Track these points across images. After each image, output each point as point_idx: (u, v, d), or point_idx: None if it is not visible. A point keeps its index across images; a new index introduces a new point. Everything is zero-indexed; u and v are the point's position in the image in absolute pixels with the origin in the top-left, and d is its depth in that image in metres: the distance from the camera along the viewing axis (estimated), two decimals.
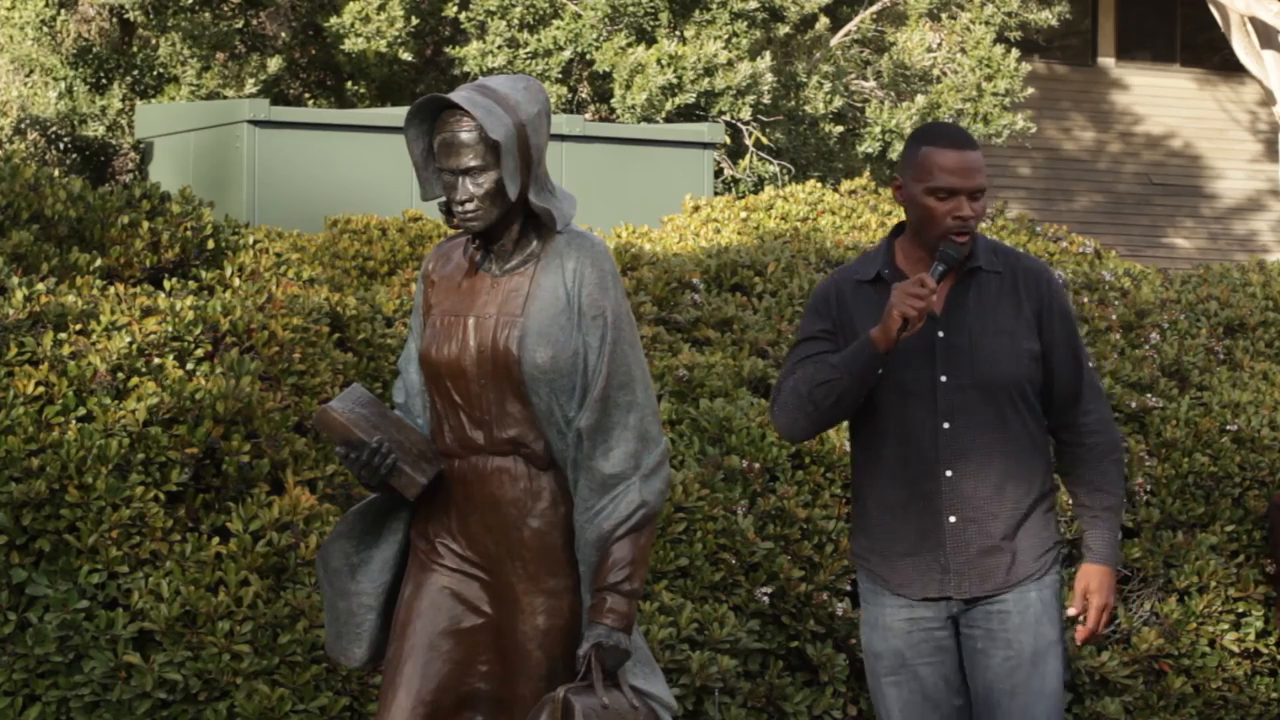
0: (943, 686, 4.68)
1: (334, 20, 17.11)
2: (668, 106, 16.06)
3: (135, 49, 17.03)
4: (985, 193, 4.67)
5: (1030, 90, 18.59)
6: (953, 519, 4.62)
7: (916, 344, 4.62)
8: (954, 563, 4.62)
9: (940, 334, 4.64)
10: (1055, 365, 4.69)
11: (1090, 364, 4.77)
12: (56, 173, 7.67)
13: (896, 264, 4.70)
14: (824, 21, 17.61)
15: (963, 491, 4.62)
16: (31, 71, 16.67)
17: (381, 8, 17.02)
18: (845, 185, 12.16)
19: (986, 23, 18.41)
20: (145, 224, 7.49)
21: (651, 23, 16.66)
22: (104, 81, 16.68)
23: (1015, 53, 18.33)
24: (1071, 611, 4.77)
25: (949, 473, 4.61)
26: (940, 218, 4.62)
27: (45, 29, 16.67)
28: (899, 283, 4.55)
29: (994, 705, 4.62)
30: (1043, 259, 4.42)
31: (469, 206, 4.17)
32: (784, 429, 4.73)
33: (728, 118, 16.33)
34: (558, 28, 16.68)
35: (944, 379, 4.62)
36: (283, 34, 17.96)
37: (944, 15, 18.49)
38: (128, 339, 6.04)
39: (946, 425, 4.61)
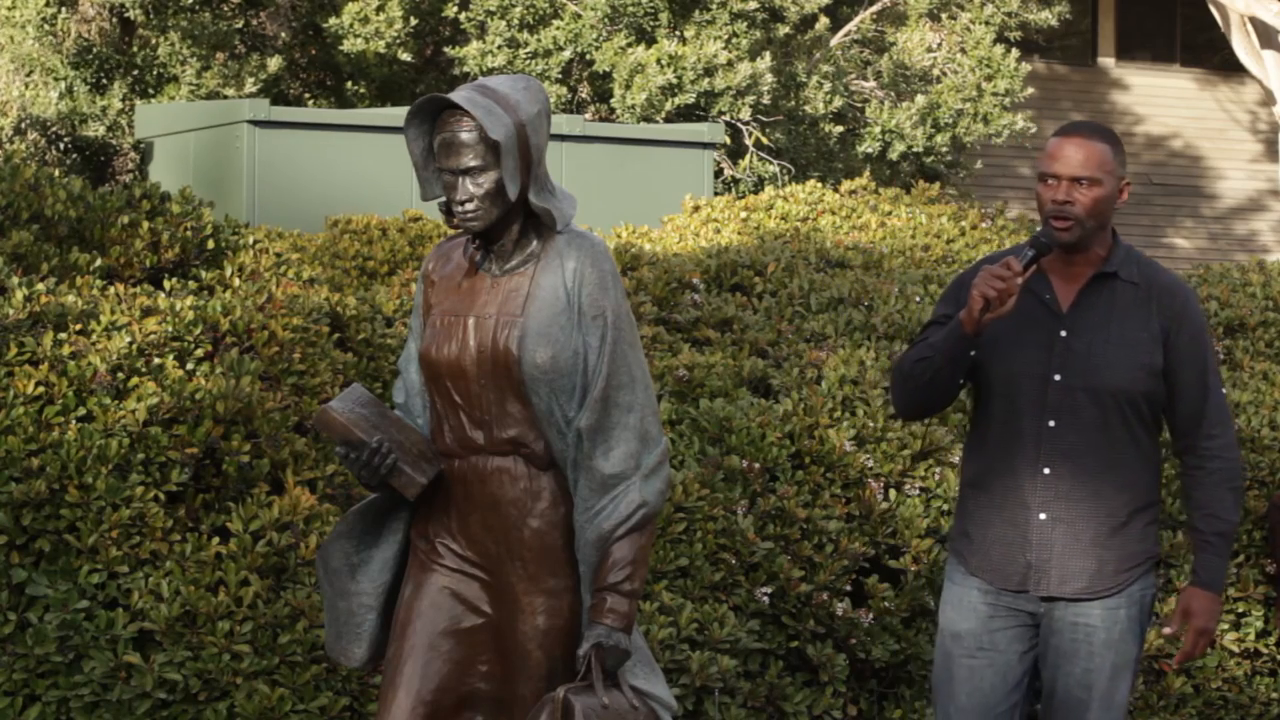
0: (1012, 675, 4.72)
1: (333, 20, 17.12)
2: (667, 106, 16.07)
3: (135, 49, 17.04)
4: (1100, 185, 4.65)
5: (1030, 90, 18.59)
6: (1043, 516, 4.65)
7: (1036, 340, 4.68)
8: (1038, 559, 4.66)
9: (1063, 334, 4.68)
10: (1179, 385, 4.70)
11: (1221, 390, 4.77)
12: (56, 173, 7.66)
13: (1042, 265, 4.74)
14: (824, 21, 17.62)
15: (1057, 490, 4.65)
16: (32, 71, 16.68)
17: (380, 8, 17.03)
18: (845, 185, 12.17)
19: (986, 23, 18.42)
20: (145, 224, 7.49)
21: (651, 23, 16.67)
22: (104, 81, 16.69)
23: (1015, 53, 18.34)
24: (1168, 631, 4.81)
25: (1047, 470, 4.65)
26: (1044, 203, 4.69)
27: (46, 28, 16.68)
28: (987, 265, 4.61)
29: (1068, 709, 4.69)
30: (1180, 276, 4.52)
31: (469, 206, 4.17)
32: (895, 405, 4.84)
33: (727, 118, 16.34)
34: (558, 28, 16.68)
35: (1057, 378, 4.65)
36: (283, 34, 17.97)
37: (944, 15, 18.50)
38: (128, 339, 6.03)
39: (1052, 423, 4.64)
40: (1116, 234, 4.79)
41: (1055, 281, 4.73)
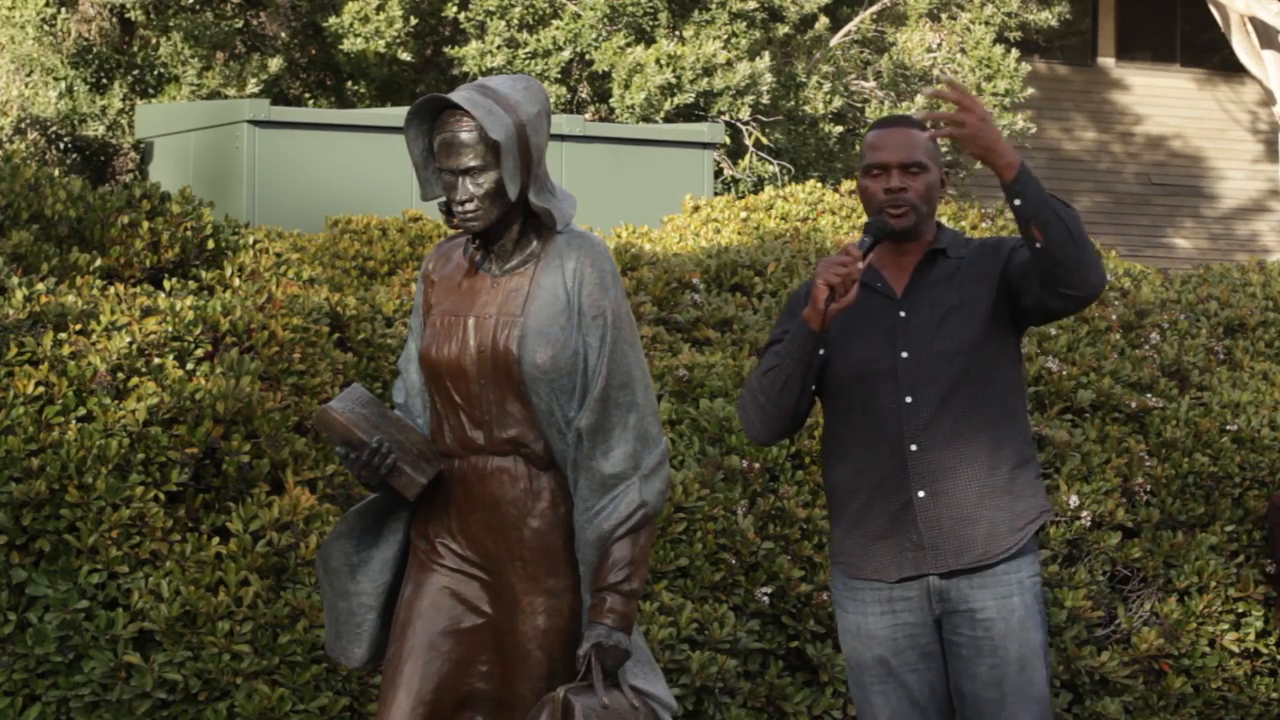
0: (928, 693, 4.65)
1: (333, 20, 17.12)
2: (666, 106, 16.07)
3: (136, 49, 17.04)
4: (927, 171, 4.67)
5: (1030, 90, 18.60)
6: (922, 494, 4.59)
7: (878, 324, 4.66)
8: (927, 538, 4.59)
9: (902, 314, 4.67)
10: (1017, 264, 4.63)
11: None
12: (56, 173, 7.66)
13: (871, 262, 4.72)
14: (824, 21, 17.62)
15: (929, 465, 4.59)
16: (32, 71, 16.67)
17: (380, 8, 17.02)
18: (845, 185, 12.15)
19: (986, 23, 18.43)
20: (145, 224, 7.49)
21: (650, 23, 16.67)
22: (104, 81, 16.69)
23: (1015, 53, 18.34)
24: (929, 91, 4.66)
25: (914, 447, 4.59)
26: (874, 195, 4.66)
27: (46, 28, 16.67)
28: (825, 258, 4.58)
29: (981, 713, 4.60)
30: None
31: (469, 206, 4.17)
32: (747, 431, 4.75)
33: (727, 118, 16.34)
34: (557, 28, 16.68)
35: (905, 355, 4.63)
36: (283, 34, 17.96)
37: (944, 15, 18.50)
38: (128, 339, 6.03)
39: (909, 399, 4.60)
40: (940, 223, 4.78)
41: (887, 272, 4.72)
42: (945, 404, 4.60)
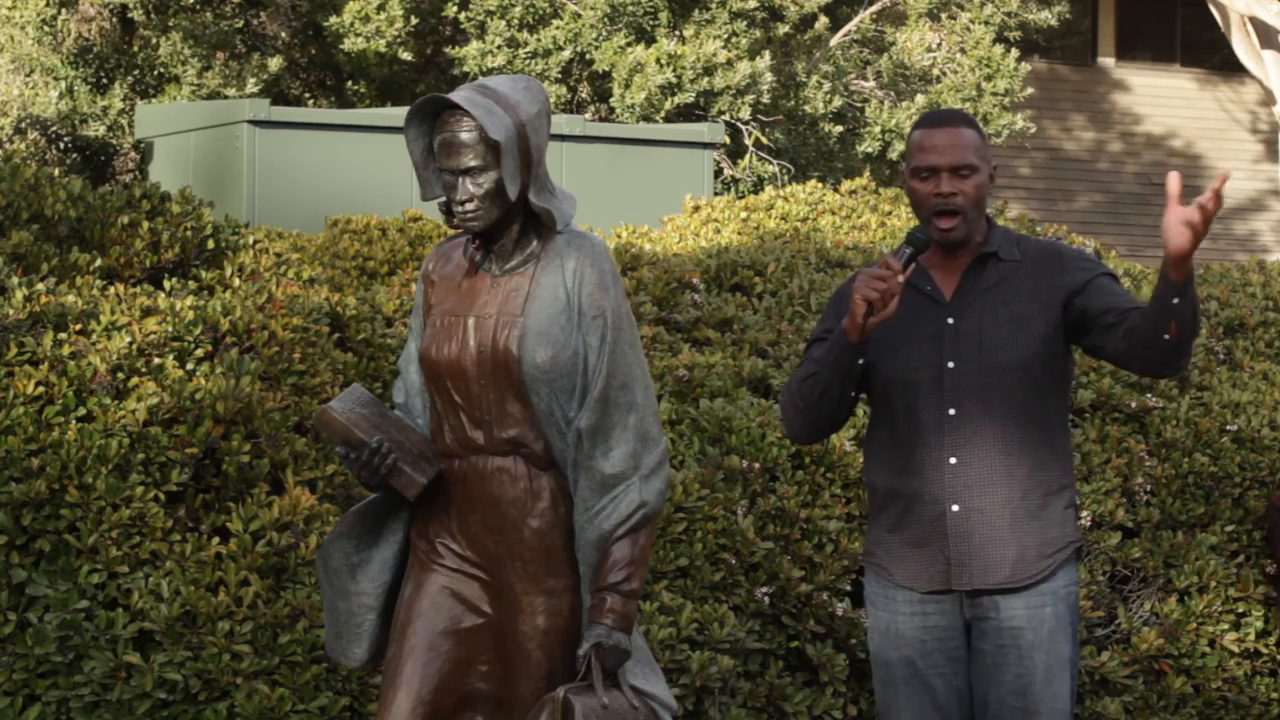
0: (954, 698, 4.60)
1: (334, 20, 17.12)
2: (666, 106, 16.07)
3: (136, 48, 17.05)
4: (977, 172, 4.58)
5: (1030, 90, 18.60)
6: (955, 508, 4.52)
7: (926, 331, 4.56)
8: (956, 553, 4.52)
9: (950, 321, 4.57)
10: (1098, 306, 4.52)
11: (1126, 291, 4.62)
12: (56, 173, 7.66)
13: (920, 262, 4.63)
14: (824, 21, 17.62)
15: (967, 479, 4.51)
16: (32, 71, 16.68)
17: (381, 7, 17.03)
18: (845, 185, 12.16)
19: (986, 23, 18.43)
20: (145, 224, 7.49)
21: (651, 22, 16.67)
22: (105, 81, 16.70)
23: (1015, 53, 18.35)
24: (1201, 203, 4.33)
25: (953, 460, 4.51)
26: (924, 199, 4.57)
27: (46, 28, 16.68)
28: (865, 269, 4.48)
29: None
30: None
31: (469, 206, 4.18)
32: (787, 431, 4.71)
33: (727, 117, 16.34)
34: (557, 27, 16.69)
35: (951, 365, 4.53)
36: (283, 34, 17.97)
37: (944, 15, 18.51)
38: (128, 339, 6.03)
39: (952, 411, 4.51)
40: (991, 219, 4.68)
41: (936, 274, 4.62)
42: (989, 419, 4.52)
